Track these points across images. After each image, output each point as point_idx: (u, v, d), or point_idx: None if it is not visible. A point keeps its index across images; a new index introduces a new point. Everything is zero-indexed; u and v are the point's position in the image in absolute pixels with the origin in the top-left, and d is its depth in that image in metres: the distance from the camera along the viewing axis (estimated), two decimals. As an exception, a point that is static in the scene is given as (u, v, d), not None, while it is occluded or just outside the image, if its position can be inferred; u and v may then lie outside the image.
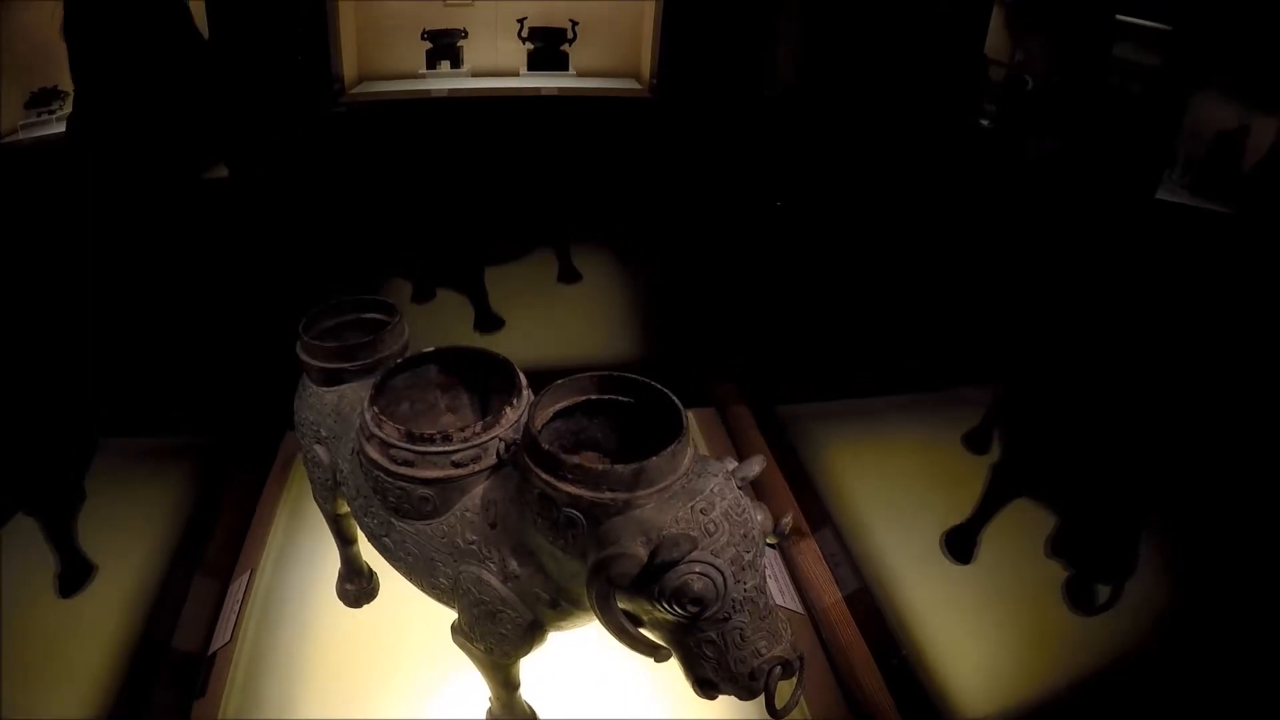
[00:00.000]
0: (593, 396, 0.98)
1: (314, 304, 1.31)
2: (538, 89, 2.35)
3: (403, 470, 1.00)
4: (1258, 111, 1.48)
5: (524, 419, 1.02)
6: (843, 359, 2.20)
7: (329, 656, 1.42)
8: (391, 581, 1.49)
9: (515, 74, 2.45)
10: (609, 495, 0.80)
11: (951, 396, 1.95)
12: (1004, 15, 1.74)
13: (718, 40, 2.21)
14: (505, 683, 1.15)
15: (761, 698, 0.82)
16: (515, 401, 1.03)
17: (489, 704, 1.23)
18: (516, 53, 2.44)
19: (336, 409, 1.20)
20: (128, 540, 1.67)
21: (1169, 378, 1.41)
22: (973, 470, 1.64)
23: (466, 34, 2.42)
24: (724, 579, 0.78)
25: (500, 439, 1.00)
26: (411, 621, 1.43)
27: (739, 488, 0.85)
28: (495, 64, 2.43)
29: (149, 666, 1.43)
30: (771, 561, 1.58)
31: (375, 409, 1.04)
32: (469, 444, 0.99)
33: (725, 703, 0.87)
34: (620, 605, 0.83)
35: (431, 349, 1.17)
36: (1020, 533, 1.54)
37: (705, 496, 0.81)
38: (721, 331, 2.39)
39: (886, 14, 2.00)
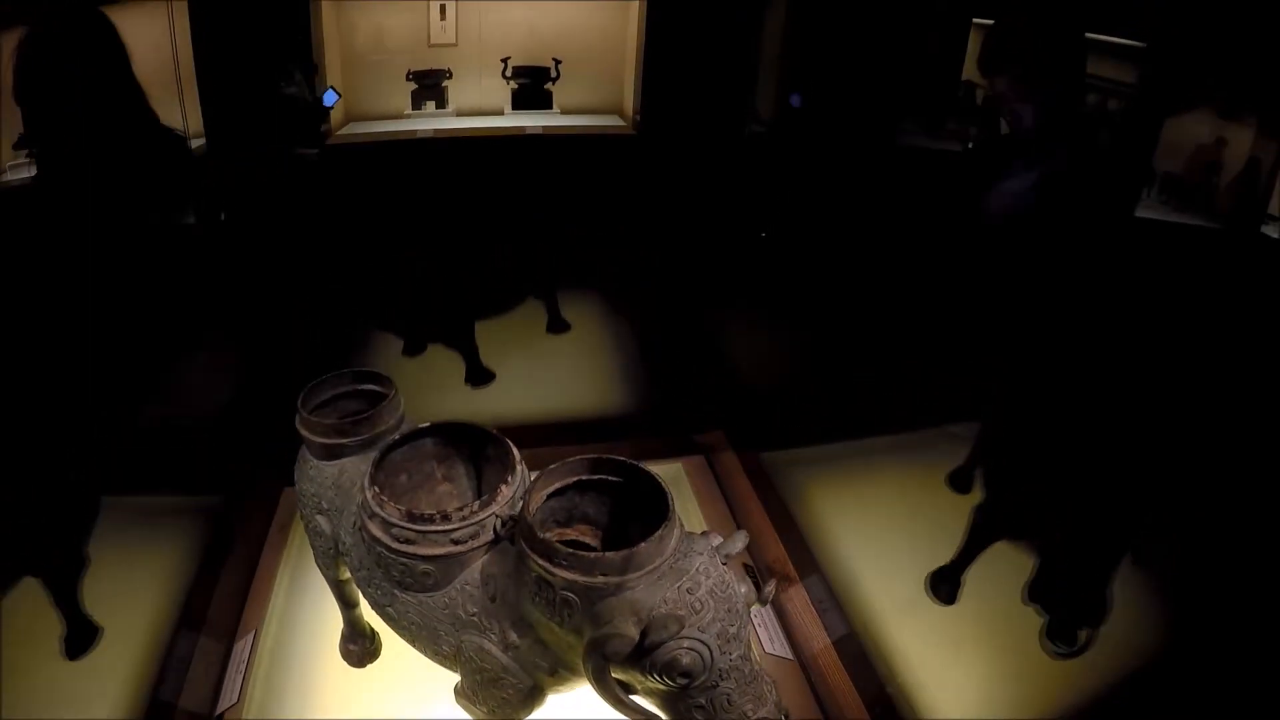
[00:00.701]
0: (584, 477, 1.03)
1: (306, 361, 1.34)
2: (522, 128, 2.40)
3: (404, 548, 1.05)
4: (1234, 125, 1.54)
5: (518, 494, 1.08)
6: (828, 399, 2.25)
7: (335, 715, 1.45)
8: (393, 641, 1.54)
9: (500, 113, 2.50)
10: (601, 580, 0.85)
11: (937, 434, 2.00)
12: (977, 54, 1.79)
13: (699, 76, 2.26)
14: None
15: None
16: (510, 478, 1.09)
17: (493, 760, 1.27)
18: (500, 91, 2.50)
19: (337, 482, 1.24)
20: (132, 601, 1.69)
21: (1150, 410, 1.46)
22: (957, 510, 1.69)
23: (451, 74, 2.48)
24: (710, 652, 0.84)
25: (497, 515, 1.06)
26: (414, 681, 1.46)
27: (723, 564, 0.91)
28: (480, 103, 2.49)
29: (159, 729, 1.45)
30: (761, 610, 1.63)
31: (376, 489, 1.09)
32: (467, 522, 1.04)
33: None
34: (614, 675, 0.89)
35: (427, 424, 1.22)
36: (1004, 573, 1.59)
37: (691, 576, 0.86)
38: (707, 379, 2.44)
39: (867, 45, 2.06)
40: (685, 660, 0.83)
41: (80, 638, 1.60)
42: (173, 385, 2.10)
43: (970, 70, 1.93)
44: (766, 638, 1.56)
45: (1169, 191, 1.62)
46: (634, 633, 0.83)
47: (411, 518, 1.05)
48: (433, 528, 1.04)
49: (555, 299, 2.55)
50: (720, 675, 0.86)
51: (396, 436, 1.20)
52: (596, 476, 1.03)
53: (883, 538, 1.83)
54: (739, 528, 1.81)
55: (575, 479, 1.04)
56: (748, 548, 0.99)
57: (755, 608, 0.95)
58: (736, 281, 2.41)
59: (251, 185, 2.14)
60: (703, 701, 0.87)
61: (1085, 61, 1.53)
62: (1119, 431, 1.48)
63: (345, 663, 1.53)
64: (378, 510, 1.07)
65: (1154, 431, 1.47)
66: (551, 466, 1.01)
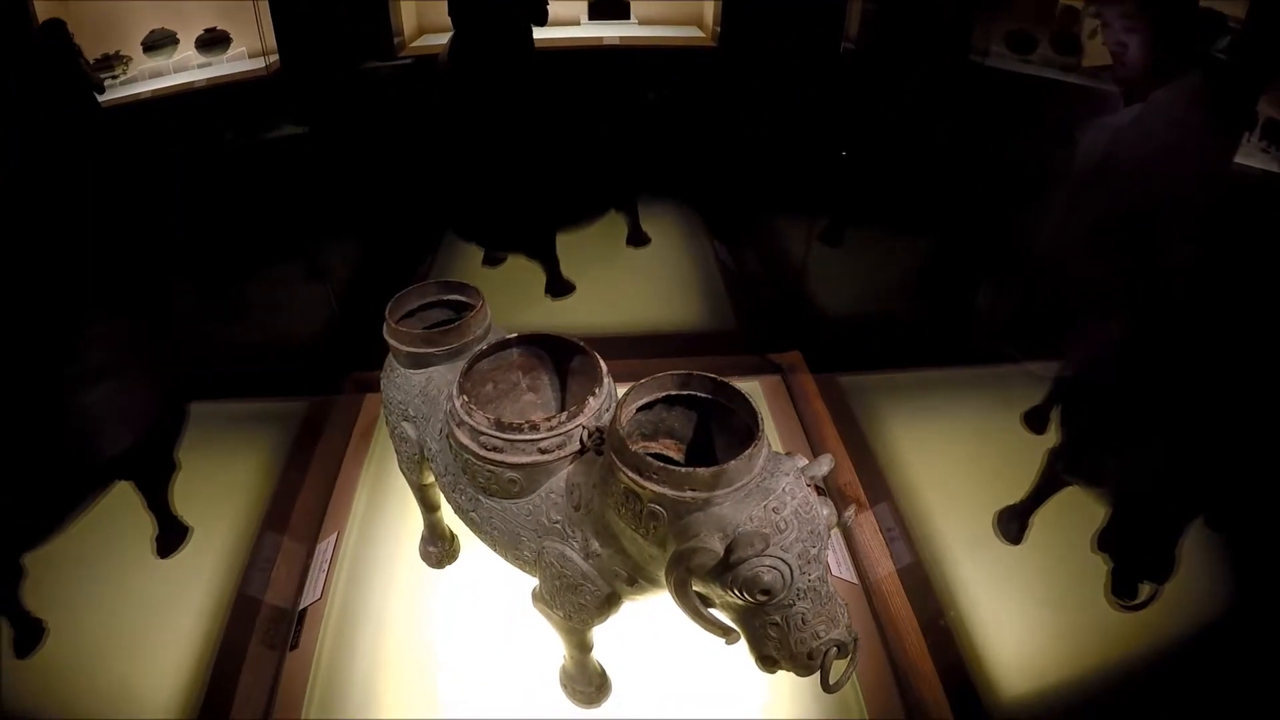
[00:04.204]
0: (673, 392, 1.04)
1: (389, 271, 1.34)
2: (599, 39, 2.34)
3: (491, 455, 1.08)
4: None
5: (604, 407, 1.10)
6: (909, 326, 2.23)
7: (414, 613, 1.52)
8: (470, 545, 1.59)
9: (576, 23, 2.42)
10: (690, 495, 0.87)
11: (1016, 371, 1.96)
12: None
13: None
14: (580, 645, 1.24)
15: (818, 675, 0.90)
16: (596, 390, 1.10)
17: (563, 661, 1.32)
18: (577, 1, 2.41)
19: (424, 390, 1.27)
20: (219, 504, 1.77)
21: (1238, 370, 1.41)
22: (1031, 450, 1.66)
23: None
24: (791, 572, 0.86)
25: (584, 426, 1.08)
26: (491, 583, 1.53)
27: (809, 485, 0.92)
28: (555, 13, 2.42)
29: (244, 622, 1.53)
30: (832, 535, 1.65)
31: (464, 397, 1.12)
32: (554, 432, 1.07)
33: (782, 676, 0.95)
34: (695, 589, 0.91)
35: (514, 335, 1.24)
36: (1072, 519, 1.57)
37: (777, 495, 0.87)
38: (786, 299, 2.42)
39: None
40: (767, 578, 0.85)
41: (171, 538, 1.67)
42: (261, 296, 2.15)
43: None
44: (834, 561, 1.58)
45: (1271, 138, 1.54)
46: (719, 548, 0.85)
47: (500, 426, 1.07)
48: (521, 436, 1.06)
49: (636, 212, 2.51)
50: (798, 594, 0.88)
51: (484, 347, 1.21)
52: (685, 392, 1.04)
53: (954, 471, 1.83)
54: (814, 450, 1.84)
55: (664, 394, 1.04)
56: (825, 478, 0.99)
57: (835, 532, 0.96)
58: (819, 200, 2.36)
59: (326, 98, 2.16)
60: (778, 619, 0.89)
61: None
62: (1202, 389, 1.44)
63: (424, 564, 1.59)
64: (466, 418, 1.10)
65: (1240, 392, 1.42)
66: (642, 381, 1.02)
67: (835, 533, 1.63)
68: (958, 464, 1.84)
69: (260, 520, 1.75)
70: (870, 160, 2.18)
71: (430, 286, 1.39)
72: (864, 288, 2.32)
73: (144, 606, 1.56)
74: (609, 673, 1.36)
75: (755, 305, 2.43)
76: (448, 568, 1.59)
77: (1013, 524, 1.65)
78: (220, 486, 1.82)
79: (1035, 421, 1.78)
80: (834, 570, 1.57)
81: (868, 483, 1.78)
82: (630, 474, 0.90)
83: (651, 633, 1.44)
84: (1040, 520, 1.63)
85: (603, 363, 1.15)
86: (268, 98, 2.09)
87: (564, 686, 1.35)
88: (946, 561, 1.64)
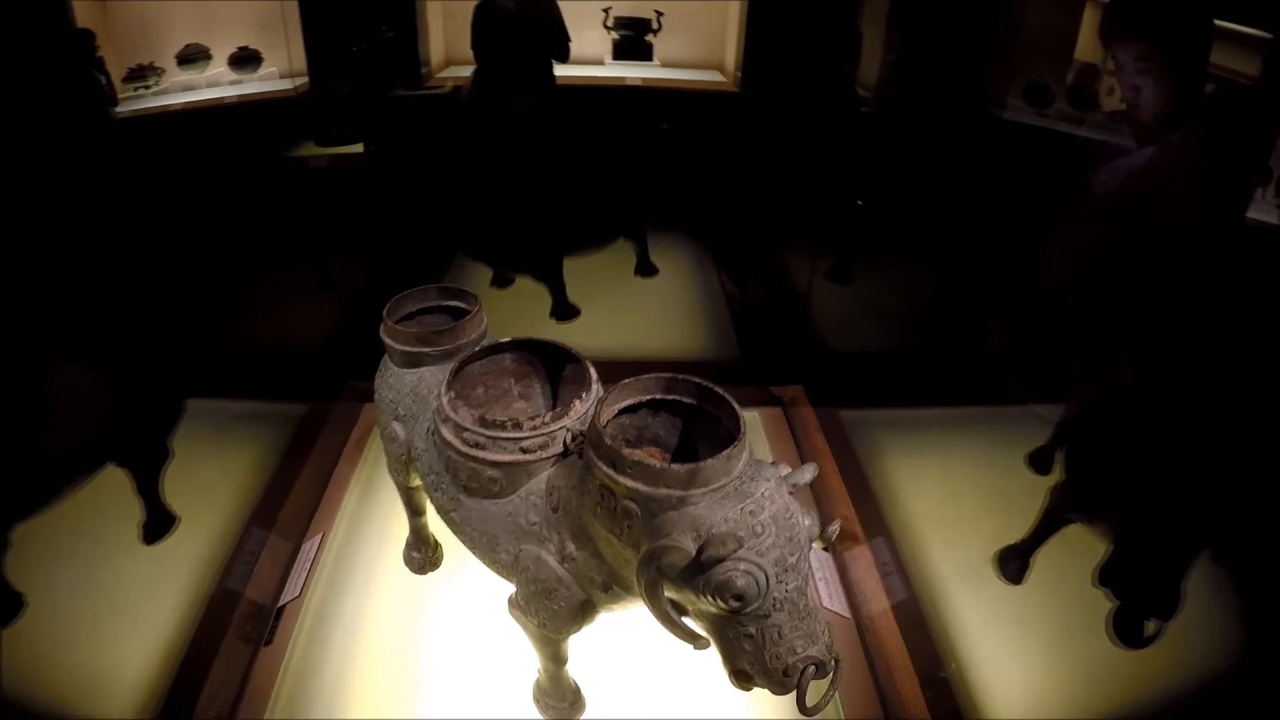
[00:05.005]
0: (657, 396, 1.03)
1: (398, 287, 1.38)
2: (622, 79, 2.38)
3: (474, 452, 1.07)
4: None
5: (591, 411, 1.08)
6: (914, 365, 2.21)
7: (391, 617, 1.50)
8: (452, 553, 1.58)
9: (600, 63, 2.47)
10: (665, 491, 0.84)
11: (1021, 412, 1.94)
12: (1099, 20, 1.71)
13: (804, 36, 2.21)
14: (554, 657, 1.21)
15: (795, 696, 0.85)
16: (584, 395, 1.09)
17: (538, 675, 1.29)
18: (601, 41, 2.47)
19: (415, 390, 1.27)
20: (209, 496, 1.77)
21: (1245, 410, 1.39)
22: (1034, 490, 1.62)
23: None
24: (766, 578, 0.82)
25: (568, 429, 1.06)
26: (470, 591, 1.51)
27: (790, 493, 0.89)
28: (580, 52, 2.46)
29: (222, 614, 1.52)
30: (824, 564, 1.61)
31: (451, 394, 1.11)
32: (538, 432, 1.05)
33: (761, 698, 0.92)
34: (667, 594, 0.88)
35: (507, 339, 1.23)
36: (1073, 560, 1.53)
37: (756, 499, 0.84)
38: (790, 333, 2.41)
39: (975, 16, 1.98)
40: (740, 582, 0.81)
41: (158, 525, 1.67)
42: (270, 304, 2.18)
43: (1082, 50, 1.85)
44: (826, 593, 1.55)
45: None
46: (691, 547, 0.82)
47: (484, 423, 1.06)
48: (503, 434, 1.05)
49: (645, 242, 2.54)
50: (774, 605, 0.84)
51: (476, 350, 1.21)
52: (670, 397, 1.02)
53: (954, 508, 1.79)
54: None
55: (649, 397, 1.03)
56: (820, 511, 0.96)
57: (818, 547, 0.93)
58: (829, 241, 2.37)
59: (352, 121, 2.22)
60: (753, 631, 0.85)
61: (1211, 36, 1.45)
62: (1211, 427, 1.41)
63: (407, 569, 1.57)
64: (451, 414, 1.09)
65: (1247, 425, 1.39)
66: (626, 381, 1.00)
67: (831, 565, 1.62)
68: (958, 502, 1.81)
69: (248, 516, 1.74)
70: (883, 205, 2.19)
71: (430, 291, 1.39)
72: (869, 325, 2.32)
73: (124, 591, 1.55)
74: (584, 690, 1.32)
75: (759, 339, 2.43)
76: (429, 575, 1.57)
77: (1013, 563, 1.61)
78: (212, 481, 1.82)
79: (1040, 462, 1.74)
80: (826, 602, 1.53)
81: (865, 517, 1.75)
82: (605, 469, 0.88)
83: (629, 650, 1.42)
84: (1041, 560, 1.60)
85: (593, 370, 1.14)
86: (294, 117, 2.16)
87: (536, 701, 1.31)
88: (943, 599, 1.60)
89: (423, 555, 1.56)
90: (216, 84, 2.08)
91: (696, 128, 2.39)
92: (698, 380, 0.99)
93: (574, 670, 1.29)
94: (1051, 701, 1.42)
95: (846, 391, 2.15)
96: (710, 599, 0.83)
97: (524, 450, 1.06)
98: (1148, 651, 1.42)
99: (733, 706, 1.34)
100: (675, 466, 0.83)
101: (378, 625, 1.48)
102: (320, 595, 1.54)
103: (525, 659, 1.30)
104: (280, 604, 1.53)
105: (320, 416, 2.07)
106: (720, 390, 0.97)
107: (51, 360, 1.49)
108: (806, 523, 0.88)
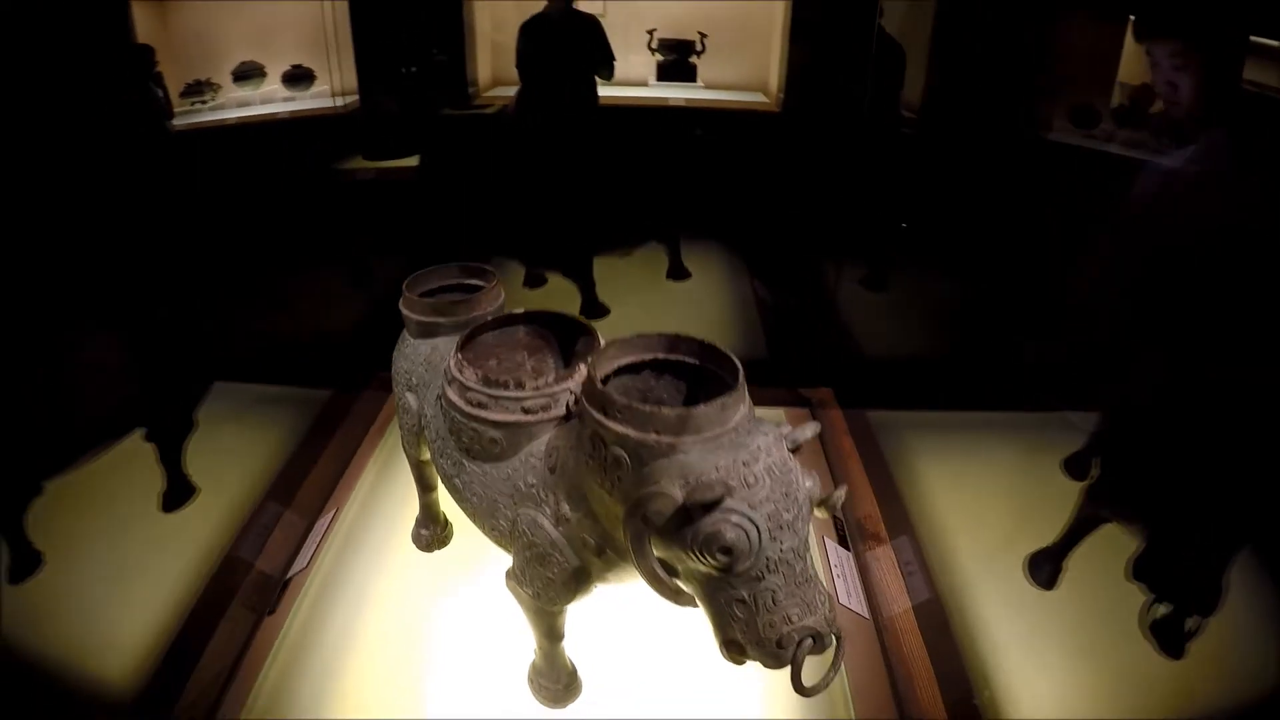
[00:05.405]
0: (660, 355, 1.00)
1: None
2: (665, 100, 2.39)
3: (476, 412, 1.05)
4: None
5: (594, 369, 1.06)
6: (944, 371, 2.19)
7: (394, 593, 1.48)
8: (460, 534, 1.58)
9: (644, 84, 2.49)
10: (654, 437, 0.81)
11: (1055, 418, 1.88)
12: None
13: (847, 59, 2.21)
14: (550, 632, 1.17)
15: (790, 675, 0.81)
16: (590, 359, 1.07)
17: (534, 655, 1.26)
18: (646, 63, 2.49)
19: (428, 359, 1.26)
20: (230, 470, 1.80)
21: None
22: (1064, 496, 1.57)
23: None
24: (758, 533, 0.77)
25: (571, 391, 1.04)
26: (475, 571, 1.49)
27: (792, 451, 0.86)
28: (625, 74, 2.47)
29: (230, 582, 1.53)
30: (844, 563, 1.56)
31: (460, 355, 1.10)
32: (540, 393, 1.04)
33: (763, 688, 0.85)
34: (656, 554, 0.84)
35: (521, 311, 1.23)
36: (1105, 564, 1.47)
37: (750, 451, 0.80)
38: (821, 338, 2.38)
39: (1019, 36, 1.97)
40: (729, 535, 0.76)
41: (178, 494, 1.70)
42: (307, 299, 2.25)
43: (1124, 72, 1.82)
44: (845, 590, 1.50)
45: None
46: (679, 495, 0.78)
47: (487, 382, 1.05)
48: (505, 394, 1.04)
49: (678, 246, 2.54)
50: (767, 566, 0.79)
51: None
52: (674, 356, 0.99)
53: (982, 512, 1.73)
54: (836, 480, 1.77)
55: (652, 356, 1.00)
56: (842, 503, 0.92)
57: (821, 515, 0.89)
58: (865, 252, 2.35)
59: (404, 138, 2.31)
60: (744, 595, 0.80)
61: (1247, 29, 1.41)
62: (1252, 423, 1.35)
63: (415, 546, 1.56)
64: (457, 375, 1.08)
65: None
66: (627, 336, 0.98)
67: (850, 562, 1.57)
68: (986, 505, 1.75)
69: (265, 491, 1.76)
70: (923, 221, 2.17)
71: (451, 269, 1.40)
72: (901, 330, 2.30)
73: (139, 555, 1.58)
74: (580, 673, 1.28)
75: (789, 341, 2.40)
76: (436, 555, 1.55)
77: (1046, 567, 1.55)
78: (234, 458, 1.85)
79: (1076, 468, 1.69)
80: (843, 600, 1.48)
81: (890, 517, 1.69)
82: (595, 414, 0.85)
83: (627, 631, 1.38)
84: (1073, 564, 1.54)
85: (602, 340, 1.12)
86: (343, 132, 2.25)
87: (531, 683, 1.27)
88: (968, 601, 1.54)
89: (430, 533, 1.55)
90: (270, 100, 2.16)
91: (737, 144, 2.39)
92: (699, 339, 0.97)
93: (573, 654, 1.26)
94: (1079, 713, 1.35)
95: (876, 394, 2.11)
96: (699, 554, 0.79)
97: (525, 411, 1.04)
98: (1186, 661, 1.35)
99: (734, 700, 1.29)
100: (665, 410, 0.80)
101: (379, 600, 1.47)
102: (327, 568, 1.54)
103: (523, 643, 1.27)
104: (288, 575, 1.52)
105: (345, 404, 2.08)
106: (720, 347, 0.94)
107: (87, 329, 1.56)
108: (808, 484, 0.84)
